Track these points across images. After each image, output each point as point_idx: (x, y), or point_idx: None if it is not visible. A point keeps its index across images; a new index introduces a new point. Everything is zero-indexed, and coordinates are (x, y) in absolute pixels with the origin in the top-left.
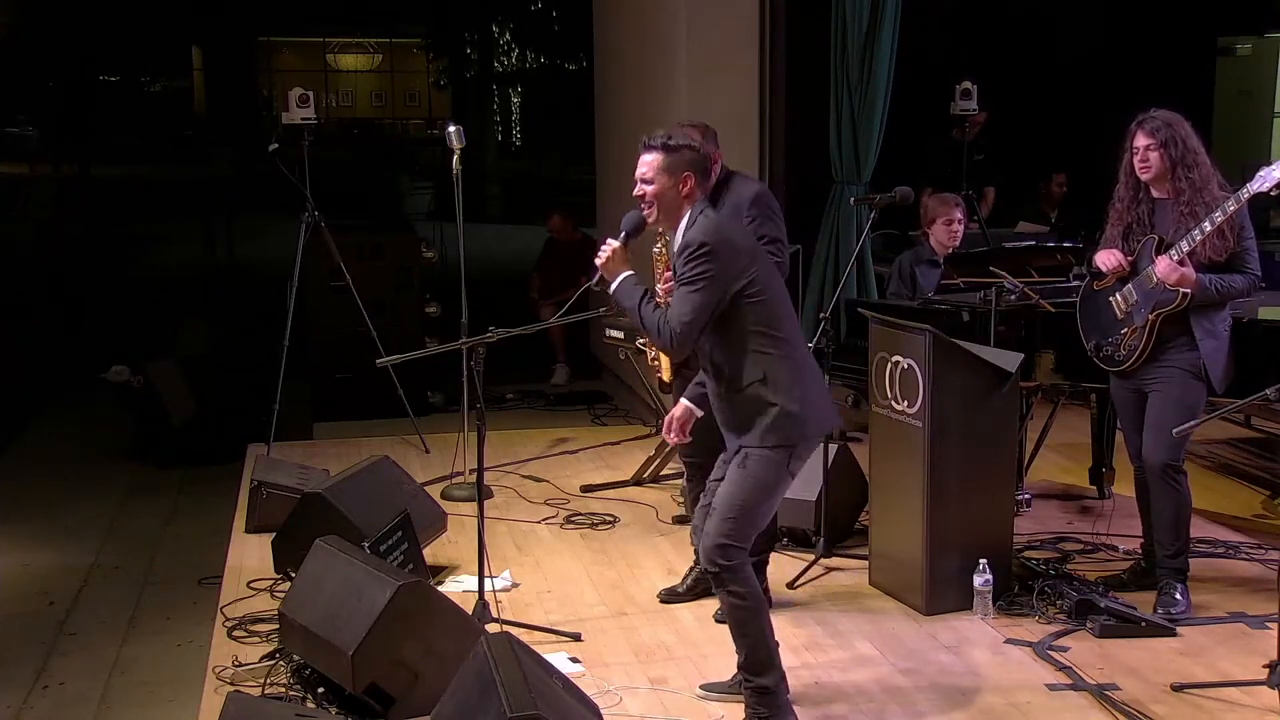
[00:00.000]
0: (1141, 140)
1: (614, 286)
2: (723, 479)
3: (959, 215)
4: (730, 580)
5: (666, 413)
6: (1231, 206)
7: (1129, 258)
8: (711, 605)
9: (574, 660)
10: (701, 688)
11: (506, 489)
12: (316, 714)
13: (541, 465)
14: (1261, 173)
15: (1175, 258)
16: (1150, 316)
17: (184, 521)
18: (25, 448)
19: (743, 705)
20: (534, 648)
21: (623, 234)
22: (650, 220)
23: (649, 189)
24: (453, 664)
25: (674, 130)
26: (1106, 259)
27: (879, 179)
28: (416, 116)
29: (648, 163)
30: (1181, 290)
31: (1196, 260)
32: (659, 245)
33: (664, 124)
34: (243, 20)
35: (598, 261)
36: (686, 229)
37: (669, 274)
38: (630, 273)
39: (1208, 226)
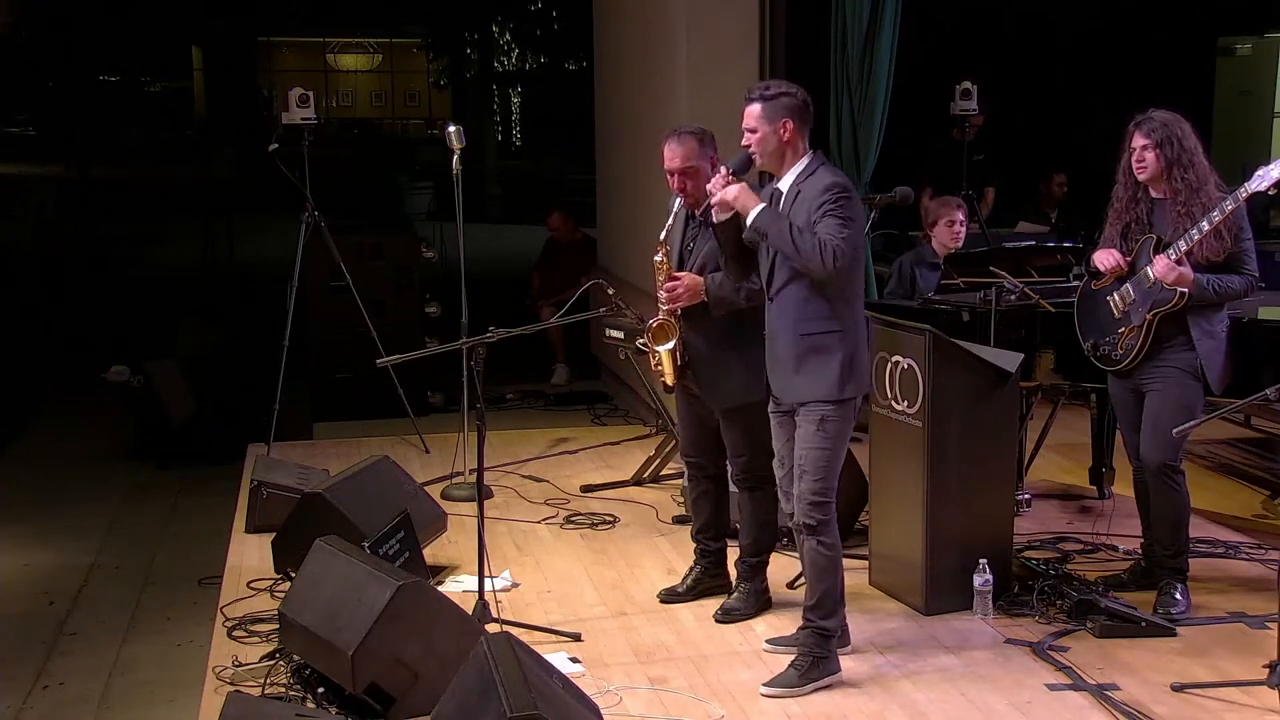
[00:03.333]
0: (1138, 141)
1: (754, 216)
2: (787, 439)
3: (960, 216)
4: (823, 531)
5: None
6: (1230, 206)
7: (1127, 257)
8: (711, 605)
9: (574, 660)
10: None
11: (506, 489)
12: (316, 714)
13: (541, 465)
14: (1260, 172)
15: (1173, 257)
16: (1148, 316)
17: (184, 521)
18: (25, 448)
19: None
20: (534, 648)
21: (729, 169)
22: (758, 161)
23: (753, 137)
24: (453, 664)
25: (762, 85)
26: (1104, 258)
27: (879, 179)
28: (416, 116)
29: (751, 113)
30: (1179, 290)
31: (1194, 260)
32: (660, 255)
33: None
34: (243, 20)
35: (722, 195)
36: (804, 175)
37: (670, 282)
38: (765, 205)
39: (1205, 226)
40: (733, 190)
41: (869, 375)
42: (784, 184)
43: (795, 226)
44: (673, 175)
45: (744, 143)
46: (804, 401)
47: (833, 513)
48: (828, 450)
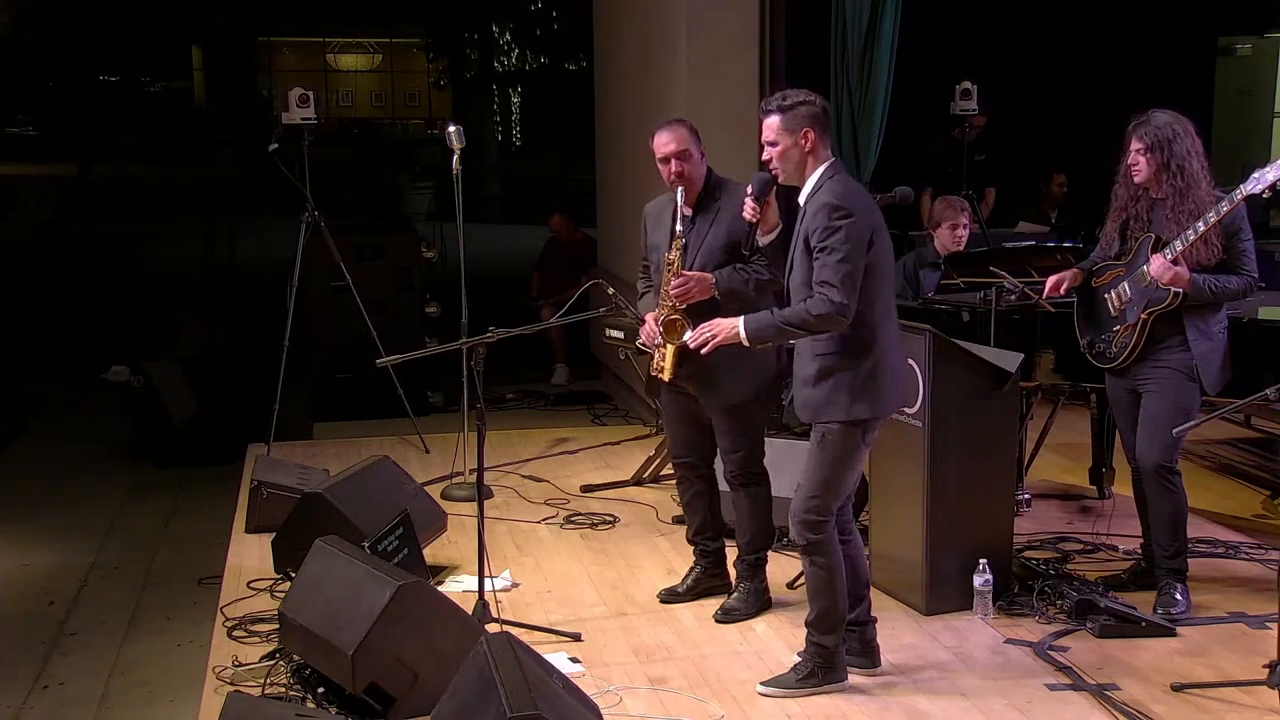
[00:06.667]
0: (1133, 145)
1: (746, 334)
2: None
3: (965, 220)
4: (815, 551)
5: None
6: (1225, 208)
7: (1122, 258)
8: (711, 605)
9: (574, 660)
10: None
11: (506, 489)
12: (316, 714)
13: (541, 465)
14: (1255, 175)
15: (1169, 257)
16: (1143, 315)
17: (184, 521)
18: (25, 448)
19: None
20: (534, 648)
21: (751, 196)
22: (781, 179)
23: (774, 150)
24: (453, 664)
25: (783, 94)
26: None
27: (879, 179)
28: (416, 116)
29: (770, 126)
30: (1174, 290)
31: (1188, 262)
32: (673, 252)
33: None
34: (243, 20)
35: (710, 338)
36: (815, 188)
37: (677, 280)
38: (744, 320)
39: (1201, 227)
40: (721, 330)
41: (893, 394)
42: (803, 197)
43: (784, 319)
44: (668, 161)
45: (764, 157)
46: (814, 418)
47: (826, 530)
48: (825, 468)
